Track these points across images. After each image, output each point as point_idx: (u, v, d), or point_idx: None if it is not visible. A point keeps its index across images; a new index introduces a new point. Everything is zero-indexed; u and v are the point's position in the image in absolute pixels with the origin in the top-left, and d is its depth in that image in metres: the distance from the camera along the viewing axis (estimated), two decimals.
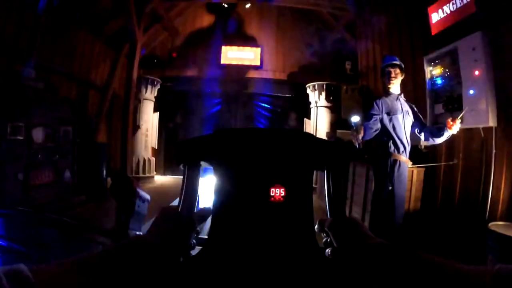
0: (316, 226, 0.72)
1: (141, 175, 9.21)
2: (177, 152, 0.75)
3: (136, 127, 9.21)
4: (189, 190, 0.73)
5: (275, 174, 0.71)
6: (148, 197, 1.06)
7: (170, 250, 0.59)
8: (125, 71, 8.61)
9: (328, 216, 0.73)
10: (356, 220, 0.68)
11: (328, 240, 0.68)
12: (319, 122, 8.94)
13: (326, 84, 8.82)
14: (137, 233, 0.99)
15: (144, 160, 9.44)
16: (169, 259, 0.59)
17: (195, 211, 0.72)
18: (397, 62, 3.49)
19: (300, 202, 0.71)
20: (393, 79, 3.49)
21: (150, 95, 9.62)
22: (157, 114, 10.05)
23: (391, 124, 3.40)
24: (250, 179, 0.72)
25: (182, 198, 0.72)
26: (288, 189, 0.70)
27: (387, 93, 3.55)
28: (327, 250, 0.67)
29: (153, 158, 9.88)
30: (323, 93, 8.83)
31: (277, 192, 0.70)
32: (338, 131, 7.31)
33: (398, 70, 3.49)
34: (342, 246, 0.64)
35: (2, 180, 4.27)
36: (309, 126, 9.43)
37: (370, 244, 0.58)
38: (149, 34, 9.55)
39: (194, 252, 0.69)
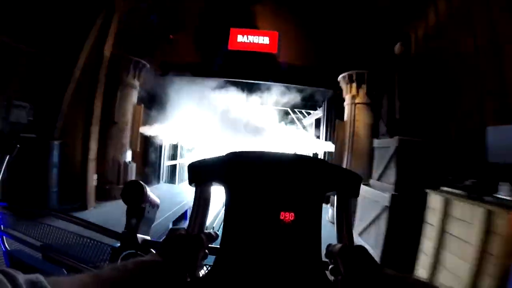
0: (324, 251, 0.72)
1: (116, 184, 7.23)
2: (190, 173, 0.79)
3: (111, 122, 7.08)
4: (200, 210, 0.79)
5: (285, 199, 0.74)
6: (158, 202, 1.09)
7: (177, 270, 0.62)
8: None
9: (337, 242, 0.75)
10: (364, 248, 0.67)
11: (336, 266, 0.68)
12: (357, 125, 6.84)
13: (368, 73, 6.72)
14: (145, 237, 1.02)
15: (121, 165, 7.30)
16: (176, 279, 0.62)
17: (205, 230, 0.77)
18: None
19: (309, 227, 0.73)
20: None
21: (133, 81, 7.67)
22: (141, 107, 8.14)
23: None
24: (261, 203, 0.74)
25: (193, 217, 0.78)
26: (298, 214, 0.73)
27: None
28: (334, 276, 0.68)
29: (134, 164, 7.98)
30: (364, 86, 6.82)
31: (287, 216, 0.72)
32: (379, 139, 5.35)
33: None
34: (350, 274, 0.63)
35: None
36: (342, 130, 7.16)
37: (382, 274, 0.58)
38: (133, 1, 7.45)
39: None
